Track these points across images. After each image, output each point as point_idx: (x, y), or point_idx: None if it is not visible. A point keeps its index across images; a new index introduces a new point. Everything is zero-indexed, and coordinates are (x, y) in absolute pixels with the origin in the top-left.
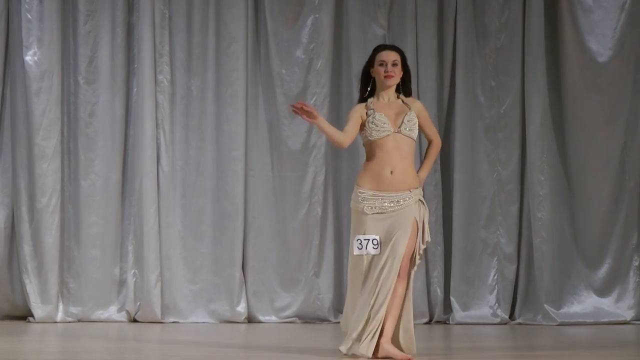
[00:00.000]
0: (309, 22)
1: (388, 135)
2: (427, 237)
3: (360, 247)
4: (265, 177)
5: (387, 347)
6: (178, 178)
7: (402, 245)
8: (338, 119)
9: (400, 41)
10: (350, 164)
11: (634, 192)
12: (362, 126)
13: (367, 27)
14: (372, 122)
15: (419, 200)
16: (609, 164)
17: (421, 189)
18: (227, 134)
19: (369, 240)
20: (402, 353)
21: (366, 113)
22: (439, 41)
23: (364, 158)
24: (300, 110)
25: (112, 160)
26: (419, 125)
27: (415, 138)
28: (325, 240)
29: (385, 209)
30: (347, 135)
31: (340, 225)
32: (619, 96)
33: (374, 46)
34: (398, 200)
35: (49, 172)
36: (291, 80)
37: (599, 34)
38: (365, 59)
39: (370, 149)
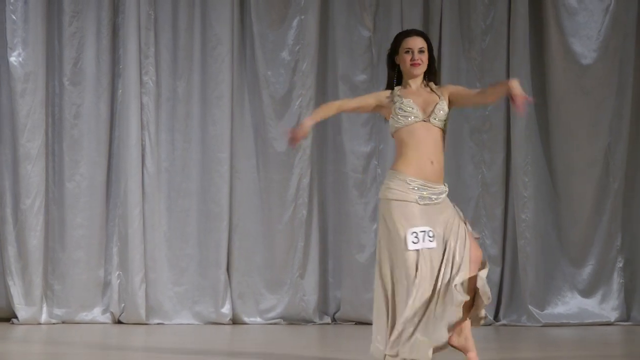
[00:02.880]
0: (294, 23)
1: (417, 122)
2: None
3: (416, 240)
4: (251, 178)
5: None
6: (163, 180)
7: (466, 249)
8: (324, 120)
9: (385, 43)
10: (335, 166)
11: (618, 194)
12: (387, 114)
13: (352, 28)
14: (399, 108)
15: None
16: (593, 166)
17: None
18: (212, 136)
19: (425, 232)
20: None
21: (392, 100)
22: None
23: (351, 160)
24: (295, 140)
25: (97, 161)
26: (463, 98)
27: (445, 130)
28: (311, 242)
29: (434, 200)
30: (329, 109)
31: (326, 227)
32: (603, 98)
33: (359, 48)
34: (440, 193)
35: (33, 174)
36: (277, 82)
37: (584, 36)
38: (351, 61)
39: (401, 138)
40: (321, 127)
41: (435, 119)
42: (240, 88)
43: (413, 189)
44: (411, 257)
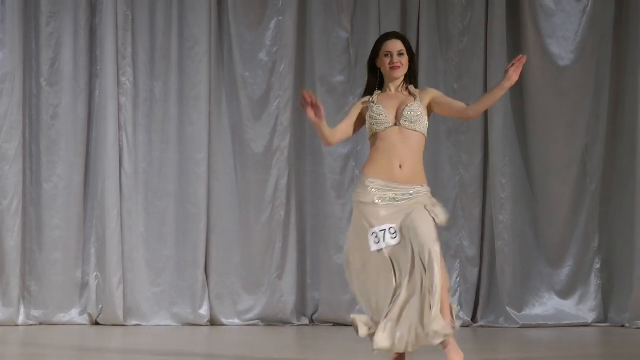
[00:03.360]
0: (272, 24)
1: (388, 127)
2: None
3: (377, 240)
4: (229, 179)
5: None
6: (141, 180)
7: (425, 224)
8: (301, 122)
9: (363, 44)
10: (313, 167)
11: (595, 195)
12: (364, 120)
13: (330, 30)
14: (370, 116)
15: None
16: (570, 167)
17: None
18: (190, 137)
19: (385, 230)
20: None
21: (368, 106)
22: None
23: (329, 162)
24: (309, 104)
25: (74, 162)
26: (441, 106)
27: (422, 132)
28: (289, 242)
29: (399, 199)
30: (333, 134)
31: (304, 228)
32: (580, 99)
33: (337, 49)
34: (410, 192)
35: (10, 174)
36: (255, 83)
37: (561, 37)
38: (328, 62)
39: (374, 142)
40: (299, 129)
41: (405, 121)
42: (217, 89)
43: (372, 189)
44: (377, 259)
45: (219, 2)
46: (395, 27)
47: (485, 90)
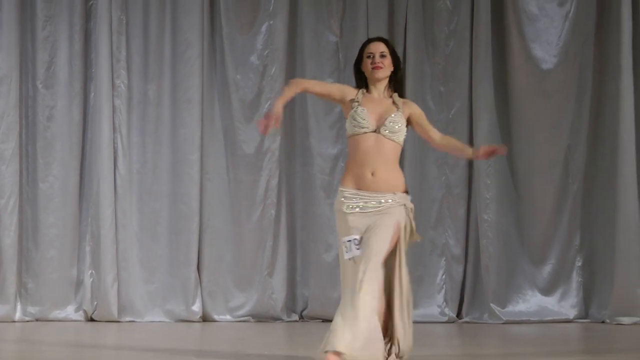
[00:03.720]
0: (263, 28)
1: (367, 132)
2: (416, 238)
3: (347, 250)
4: (221, 180)
5: None
6: (135, 181)
7: (376, 243)
8: (292, 124)
9: (352, 48)
10: (303, 167)
11: (577, 195)
12: (346, 113)
13: (320, 34)
14: (352, 116)
15: (404, 205)
16: (553, 168)
17: (408, 196)
18: (183, 138)
19: (351, 241)
20: None
21: (352, 105)
22: None
23: (318, 162)
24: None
25: (70, 163)
26: (417, 126)
27: (399, 142)
28: (279, 241)
29: (366, 208)
30: (307, 83)
31: (294, 227)
32: (563, 102)
33: (327, 52)
34: (380, 200)
35: (7, 174)
36: (246, 86)
37: (544, 41)
38: (318, 65)
39: (351, 145)
40: (289, 130)
41: (385, 130)
42: (210, 92)
43: (342, 198)
44: (349, 265)
45: (211, 6)
46: (382, 32)
47: (471, 94)
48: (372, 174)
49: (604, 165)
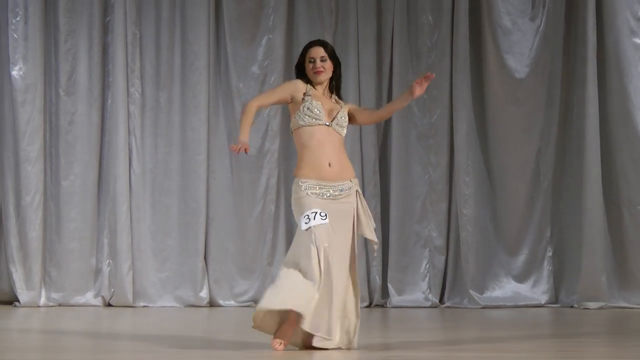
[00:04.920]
0: (263, 42)
1: (320, 125)
2: (372, 224)
3: (307, 221)
4: (225, 178)
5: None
6: (148, 179)
7: (343, 248)
8: (289, 127)
9: (343, 59)
10: None
11: (547, 192)
12: (294, 109)
13: None
14: (307, 108)
15: (357, 190)
16: (525, 167)
17: (357, 180)
18: (191, 140)
19: (316, 212)
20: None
21: (303, 98)
22: (378, 59)
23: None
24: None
25: (89, 163)
26: (361, 116)
27: (344, 135)
28: (278, 233)
29: (328, 196)
30: (257, 101)
31: (291, 221)
32: (534, 108)
33: None
34: (340, 188)
35: (32, 174)
36: (248, 93)
37: (517, 53)
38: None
39: (301, 137)
40: (287, 134)
41: (337, 124)
42: (215, 98)
43: (306, 188)
44: (307, 237)
45: (216, 22)
46: (371, 44)
47: (451, 101)
48: (330, 165)
49: (572, 165)
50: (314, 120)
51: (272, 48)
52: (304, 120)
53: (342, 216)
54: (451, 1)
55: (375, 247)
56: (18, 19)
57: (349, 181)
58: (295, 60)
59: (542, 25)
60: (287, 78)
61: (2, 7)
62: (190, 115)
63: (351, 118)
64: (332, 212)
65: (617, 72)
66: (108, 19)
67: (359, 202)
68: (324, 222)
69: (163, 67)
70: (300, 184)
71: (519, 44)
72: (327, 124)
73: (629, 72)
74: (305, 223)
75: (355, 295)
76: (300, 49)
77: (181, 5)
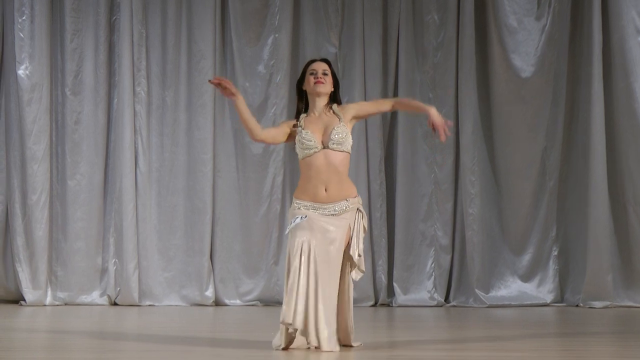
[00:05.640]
0: (269, 41)
1: (316, 152)
2: (359, 252)
3: (289, 225)
4: (231, 177)
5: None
6: (154, 178)
7: (336, 251)
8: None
9: (349, 58)
10: None
11: (553, 191)
12: (292, 139)
13: (321, 45)
14: (299, 141)
15: (358, 209)
16: (531, 166)
17: (359, 199)
18: (197, 140)
19: (300, 217)
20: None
21: (297, 130)
22: (384, 59)
23: None
24: (218, 85)
25: (95, 162)
26: (367, 113)
27: (347, 150)
28: (283, 233)
29: (322, 213)
30: (262, 131)
31: None
32: (540, 107)
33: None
34: (335, 208)
35: (39, 173)
36: (254, 92)
37: (523, 52)
38: None
39: (303, 167)
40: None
41: (333, 144)
42: (221, 97)
43: (299, 208)
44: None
45: (222, 21)
46: (377, 44)
47: (457, 100)
48: (326, 190)
49: (577, 165)
50: (308, 150)
51: (278, 47)
52: (302, 153)
53: (336, 222)
54: (457, 0)
55: (357, 276)
56: (24, 18)
57: (345, 200)
58: (301, 58)
59: (547, 24)
60: (292, 77)
61: (8, 6)
62: (196, 115)
63: (360, 116)
64: (326, 217)
65: (623, 71)
66: (114, 18)
67: (357, 220)
68: (303, 219)
69: (169, 66)
70: (295, 204)
71: (525, 43)
72: (323, 147)
73: (635, 71)
74: (288, 227)
75: (346, 301)
76: (306, 48)
77: (187, 5)
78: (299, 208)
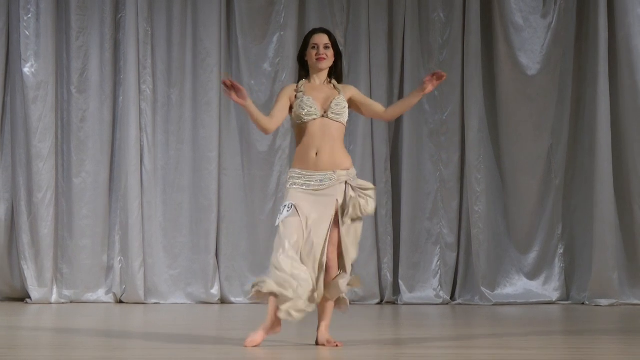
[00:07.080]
0: (275, 39)
1: (315, 119)
2: (356, 284)
3: (279, 215)
4: (237, 175)
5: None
6: (159, 176)
7: (319, 236)
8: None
9: (355, 56)
10: None
11: (559, 189)
12: (291, 108)
13: None
14: (299, 106)
15: (345, 182)
16: (537, 164)
17: (354, 171)
18: (202, 138)
19: (285, 206)
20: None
21: (295, 95)
22: (389, 56)
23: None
24: (230, 88)
25: (100, 160)
26: (362, 106)
27: (343, 122)
28: None
29: (309, 185)
30: (271, 120)
31: None
32: (546, 105)
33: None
34: (321, 180)
35: (44, 171)
36: (259, 90)
37: (529, 50)
38: None
39: (298, 132)
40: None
41: (332, 113)
42: None
43: (292, 177)
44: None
45: (228, 19)
46: (382, 41)
47: (462, 98)
48: (316, 154)
49: (583, 163)
50: (307, 116)
51: (284, 45)
52: (300, 119)
53: (321, 208)
54: None
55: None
56: (30, 16)
57: (332, 172)
58: None
59: (553, 22)
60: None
61: (14, 4)
62: (202, 112)
63: (355, 105)
64: (312, 204)
65: (629, 68)
66: (120, 15)
67: (348, 192)
68: (287, 214)
69: (175, 64)
70: (289, 175)
71: (531, 41)
72: (322, 115)
73: None
74: (277, 218)
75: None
76: None
77: (193, 2)
78: (292, 183)
